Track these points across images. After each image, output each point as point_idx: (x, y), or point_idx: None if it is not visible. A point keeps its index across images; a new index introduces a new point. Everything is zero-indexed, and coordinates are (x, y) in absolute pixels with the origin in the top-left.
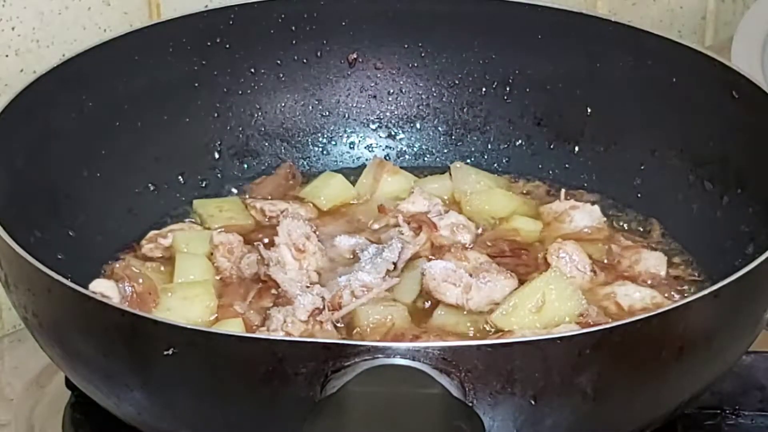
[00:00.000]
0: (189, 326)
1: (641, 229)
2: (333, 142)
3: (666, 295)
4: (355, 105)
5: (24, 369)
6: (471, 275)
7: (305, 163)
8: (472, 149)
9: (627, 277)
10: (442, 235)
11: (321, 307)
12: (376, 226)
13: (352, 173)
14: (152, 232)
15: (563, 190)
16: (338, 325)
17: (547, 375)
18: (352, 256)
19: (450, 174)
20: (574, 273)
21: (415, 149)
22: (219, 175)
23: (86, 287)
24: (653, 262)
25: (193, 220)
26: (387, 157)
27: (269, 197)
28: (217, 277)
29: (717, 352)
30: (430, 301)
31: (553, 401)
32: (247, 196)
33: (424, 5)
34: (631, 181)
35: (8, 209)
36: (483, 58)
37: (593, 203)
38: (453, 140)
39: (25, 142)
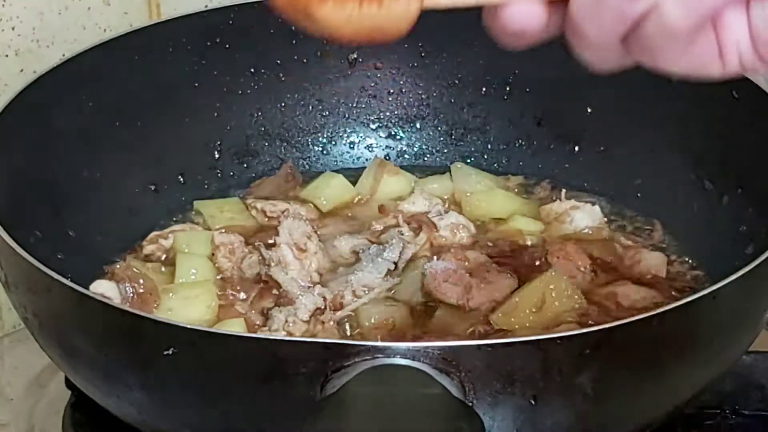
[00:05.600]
0: (189, 326)
1: (641, 229)
2: (333, 142)
3: (666, 295)
4: (355, 105)
5: (24, 369)
6: (471, 275)
7: (305, 163)
8: (472, 149)
9: (627, 277)
10: (442, 235)
11: (322, 307)
12: (377, 227)
13: (352, 173)
14: (153, 233)
15: (563, 190)
16: (344, 323)
17: (547, 375)
18: (353, 256)
19: (450, 174)
20: (574, 273)
21: (415, 149)
22: (219, 175)
23: (86, 287)
24: (653, 262)
25: (193, 220)
26: (387, 157)
27: (270, 198)
28: (219, 278)
29: (717, 352)
30: (430, 301)
31: (553, 401)
32: (247, 197)
33: None
34: (631, 181)
35: (8, 209)
36: (483, 58)
37: (593, 203)
38: (453, 140)
39: (25, 142)
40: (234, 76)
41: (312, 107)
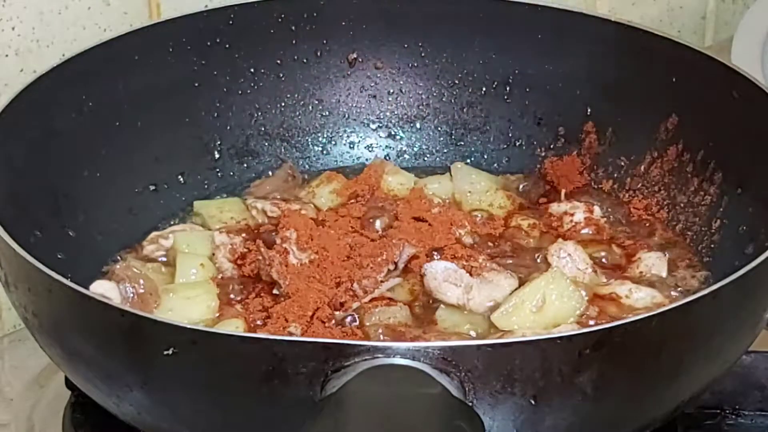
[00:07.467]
0: (189, 326)
1: (641, 229)
2: (333, 142)
3: (666, 295)
4: (355, 105)
5: (24, 369)
6: (471, 275)
7: (305, 163)
8: (472, 149)
9: (627, 277)
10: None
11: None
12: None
13: (352, 173)
14: (153, 233)
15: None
16: (351, 324)
17: (547, 375)
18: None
19: (450, 174)
20: (575, 273)
21: (415, 149)
22: (219, 175)
23: (86, 287)
24: (653, 262)
25: (194, 220)
26: (387, 157)
27: (270, 197)
28: (219, 277)
29: (717, 352)
30: (431, 301)
31: (553, 401)
32: (247, 197)
33: (424, 5)
34: (631, 181)
35: (8, 209)
36: (483, 58)
37: (594, 203)
38: (453, 140)
39: (25, 142)
40: (234, 76)
41: (312, 107)
